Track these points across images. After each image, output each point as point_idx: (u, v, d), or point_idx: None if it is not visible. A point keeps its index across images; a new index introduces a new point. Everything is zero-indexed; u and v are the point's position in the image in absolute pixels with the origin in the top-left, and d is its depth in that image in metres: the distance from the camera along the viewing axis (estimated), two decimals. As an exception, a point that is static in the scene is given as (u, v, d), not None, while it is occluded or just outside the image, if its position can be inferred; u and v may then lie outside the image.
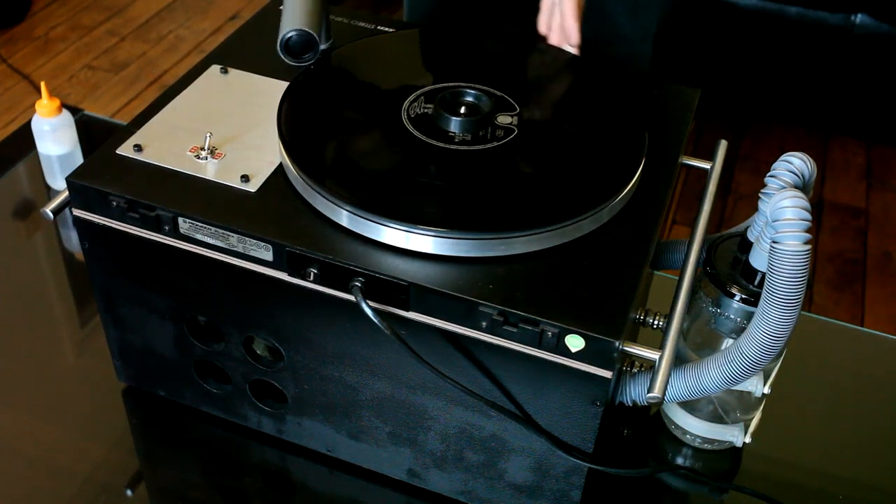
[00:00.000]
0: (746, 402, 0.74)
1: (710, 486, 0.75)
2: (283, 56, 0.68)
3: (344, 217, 0.61)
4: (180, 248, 0.64)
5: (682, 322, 0.62)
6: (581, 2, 0.81)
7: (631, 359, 0.61)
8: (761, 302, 0.59)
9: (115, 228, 0.66)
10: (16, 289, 0.89)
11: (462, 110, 0.70)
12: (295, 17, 0.68)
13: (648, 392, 0.58)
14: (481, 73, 0.74)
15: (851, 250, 2.03)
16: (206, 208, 0.62)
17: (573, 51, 0.81)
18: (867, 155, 2.31)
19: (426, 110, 0.69)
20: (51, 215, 0.65)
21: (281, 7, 0.73)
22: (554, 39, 0.82)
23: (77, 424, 0.77)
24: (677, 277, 0.65)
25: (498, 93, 0.72)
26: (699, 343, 0.71)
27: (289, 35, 0.66)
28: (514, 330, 0.57)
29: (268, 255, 0.61)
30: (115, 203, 0.64)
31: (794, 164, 0.64)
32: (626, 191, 0.64)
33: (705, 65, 2.31)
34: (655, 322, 0.65)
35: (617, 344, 0.55)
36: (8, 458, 0.75)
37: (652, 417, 0.79)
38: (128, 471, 0.75)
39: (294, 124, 0.68)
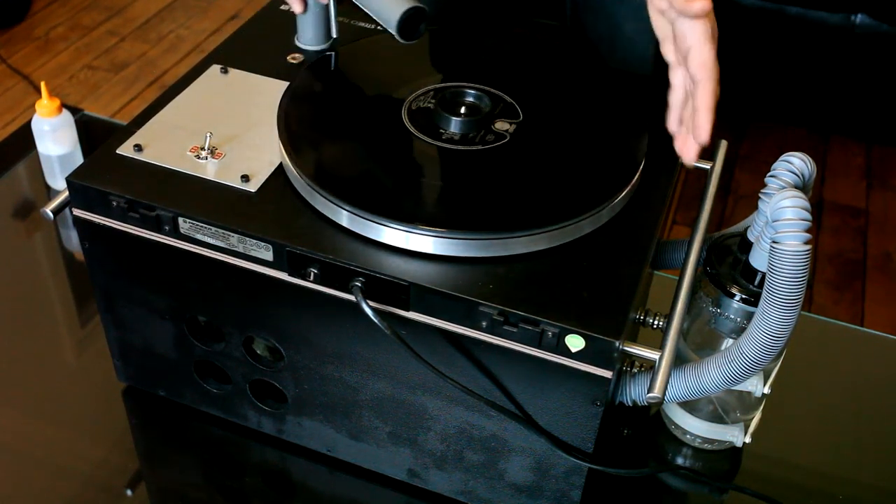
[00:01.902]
0: (746, 402, 0.74)
1: (710, 486, 0.75)
2: (399, 37, 0.65)
3: (344, 217, 0.61)
4: (180, 248, 0.64)
5: (682, 322, 0.62)
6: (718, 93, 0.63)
7: (631, 359, 0.61)
8: (761, 302, 0.59)
9: (115, 228, 0.66)
10: (16, 289, 0.89)
11: (462, 110, 0.70)
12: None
13: (648, 392, 0.57)
14: (481, 73, 0.74)
15: (851, 250, 2.03)
16: (206, 208, 0.62)
17: (692, 153, 0.64)
18: (867, 155, 2.31)
19: (426, 110, 0.69)
20: (51, 215, 0.65)
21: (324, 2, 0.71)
22: (681, 133, 0.65)
23: (77, 424, 0.77)
24: (677, 277, 0.65)
25: (498, 93, 0.72)
26: (699, 343, 0.71)
27: (407, 12, 0.65)
28: (514, 330, 0.57)
29: (268, 255, 0.61)
30: (115, 203, 0.64)
31: (794, 164, 0.64)
32: (626, 191, 0.64)
33: (705, 65, 2.30)
34: (655, 322, 0.65)
35: (617, 344, 0.55)
36: (8, 458, 0.75)
37: (652, 417, 0.79)
38: (128, 471, 0.75)
39: (294, 124, 0.68)
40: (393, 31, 0.67)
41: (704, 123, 0.63)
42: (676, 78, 0.65)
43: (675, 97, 0.66)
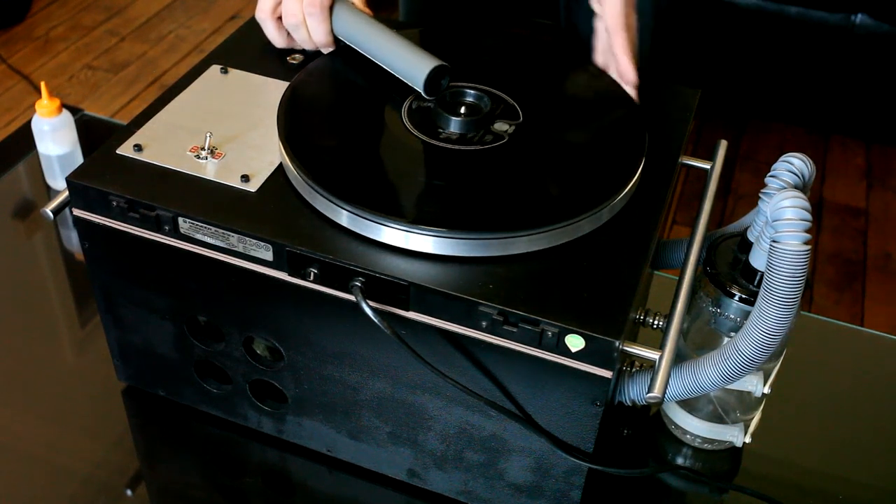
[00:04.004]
0: (746, 402, 0.74)
1: (710, 486, 0.75)
2: (425, 95, 0.70)
3: (344, 217, 0.61)
4: (180, 248, 0.64)
5: (682, 322, 0.62)
6: (634, 39, 0.75)
7: (631, 358, 0.61)
8: (759, 300, 0.59)
9: (115, 228, 0.66)
10: (16, 289, 0.89)
11: (462, 110, 0.70)
12: (425, 57, 0.70)
13: (648, 392, 0.58)
14: (481, 72, 0.74)
15: (851, 250, 2.03)
16: (206, 208, 0.62)
17: (632, 91, 0.74)
18: (867, 155, 2.31)
19: (426, 110, 0.69)
20: (51, 215, 0.65)
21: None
22: (614, 76, 0.76)
23: (77, 424, 0.78)
24: (677, 277, 0.65)
25: (498, 93, 0.72)
26: (699, 343, 0.71)
27: (432, 72, 0.69)
28: (514, 330, 0.57)
29: (268, 255, 0.61)
30: (115, 203, 0.64)
31: (794, 164, 0.64)
32: (626, 191, 0.64)
33: (705, 65, 2.31)
34: (655, 322, 0.65)
35: (617, 344, 0.55)
36: (8, 458, 0.75)
37: (652, 417, 0.79)
38: (128, 471, 0.75)
39: (294, 124, 0.68)
40: (420, 89, 0.70)
41: (626, 67, 0.73)
42: (600, 25, 0.77)
43: (599, 42, 0.78)
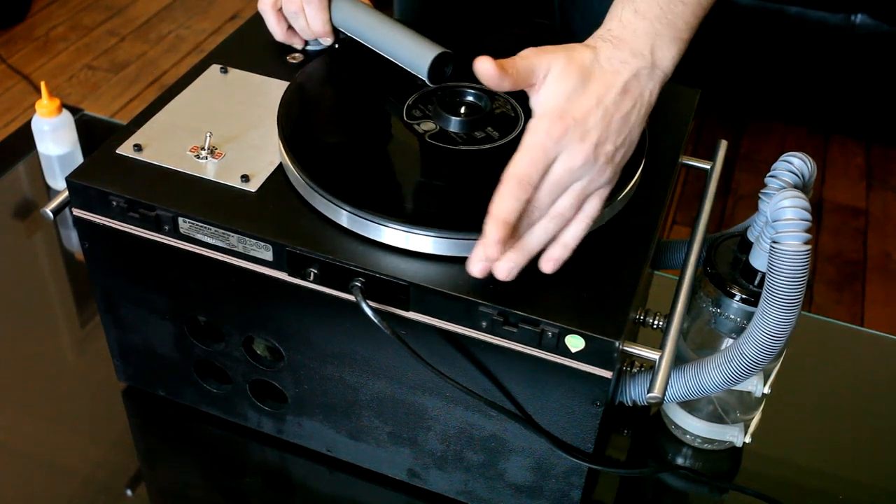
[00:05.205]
0: (746, 402, 0.74)
1: (710, 486, 0.75)
2: (429, 83, 0.70)
3: (344, 217, 0.61)
4: (180, 248, 0.64)
5: (682, 322, 0.62)
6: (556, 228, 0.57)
7: (631, 359, 0.61)
8: (761, 302, 0.59)
9: (115, 228, 0.66)
10: (16, 289, 0.89)
11: (462, 110, 0.69)
12: (428, 45, 0.70)
13: (648, 392, 0.58)
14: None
15: (851, 250, 2.03)
16: (206, 208, 0.62)
17: (474, 261, 0.56)
18: (867, 155, 2.31)
19: (426, 110, 0.69)
20: (51, 215, 0.65)
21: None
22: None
23: (77, 424, 0.77)
24: (677, 277, 0.65)
25: (498, 92, 0.72)
26: (699, 343, 0.71)
27: (436, 59, 0.69)
28: (514, 330, 0.57)
29: (268, 255, 0.61)
30: (115, 203, 0.64)
31: (794, 164, 0.64)
32: (625, 191, 0.64)
33: (705, 64, 2.31)
34: (655, 322, 0.64)
35: (617, 344, 0.55)
36: (8, 458, 0.75)
37: (652, 417, 0.79)
38: (128, 471, 0.75)
39: (294, 124, 0.68)
40: (423, 77, 0.70)
41: (487, 239, 0.54)
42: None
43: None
